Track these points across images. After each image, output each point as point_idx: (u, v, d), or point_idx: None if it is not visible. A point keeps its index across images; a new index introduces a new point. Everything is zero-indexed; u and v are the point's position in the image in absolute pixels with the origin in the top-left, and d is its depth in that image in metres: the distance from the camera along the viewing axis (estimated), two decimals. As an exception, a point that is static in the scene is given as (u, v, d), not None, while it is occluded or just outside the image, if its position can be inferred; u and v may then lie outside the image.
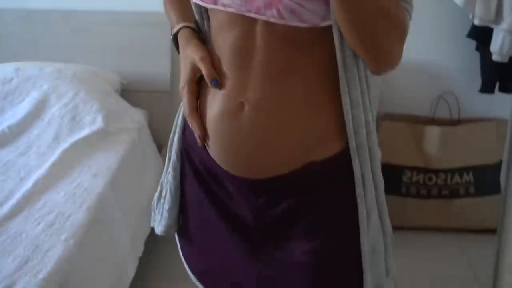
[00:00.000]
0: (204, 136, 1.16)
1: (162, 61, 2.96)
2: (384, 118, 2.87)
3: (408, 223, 2.81)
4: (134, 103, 2.85)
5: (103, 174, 2.26)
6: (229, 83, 1.11)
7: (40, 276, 1.67)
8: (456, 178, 2.85)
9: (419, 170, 2.85)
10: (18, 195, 2.07)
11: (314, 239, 1.13)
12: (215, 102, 1.12)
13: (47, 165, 2.26)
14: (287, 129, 1.08)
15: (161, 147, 2.87)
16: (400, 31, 1.02)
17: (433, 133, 2.82)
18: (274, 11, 1.02)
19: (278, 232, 1.16)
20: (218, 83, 1.11)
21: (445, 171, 2.84)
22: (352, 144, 1.08)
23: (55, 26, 2.95)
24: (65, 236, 1.87)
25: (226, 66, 1.11)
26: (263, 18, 1.04)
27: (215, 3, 1.08)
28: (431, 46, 2.97)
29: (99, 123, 2.54)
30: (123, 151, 2.47)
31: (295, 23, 1.02)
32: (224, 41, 1.11)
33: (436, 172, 2.84)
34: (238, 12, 1.05)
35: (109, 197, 2.18)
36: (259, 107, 1.08)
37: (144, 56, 2.95)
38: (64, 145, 2.40)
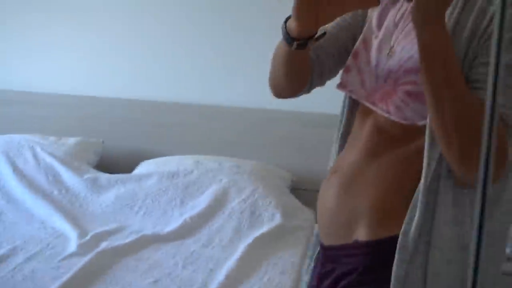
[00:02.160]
0: None
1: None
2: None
3: None
4: (302, 201, 2.86)
5: (289, 271, 2.23)
6: (341, 154, 1.32)
7: None
8: None
9: None
10: (213, 286, 2.08)
11: None
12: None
13: (235, 258, 2.27)
14: (351, 204, 1.20)
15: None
16: (496, 153, 0.98)
17: None
18: (384, 105, 1.17)
19: None
20: None
21: None
22: (400, 243, 1.10)
23: (229, 122, 3.06)
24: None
25: (349, 140, 1.31)
26: (375, 109, 1.19)
27: (345, 87, 1.27)
28: None
29: (277, 219, 2.55)
30: (302, 249, 2.45)
31: (398, 119, 1.14)
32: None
33: None
34: (360, 100, 1.25)
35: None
36: (341, 177, 1.24)
37: (313, 155, 2.97)
38: (248, 240, 2.41)
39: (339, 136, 1.35)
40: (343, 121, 1.35)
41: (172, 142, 3.08)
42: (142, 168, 2.91)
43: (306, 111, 3.00)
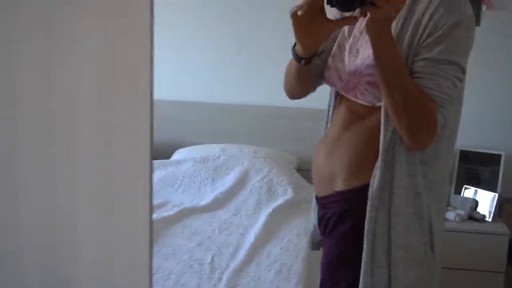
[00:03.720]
0: None
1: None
2: (507, 201, 3.46)
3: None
4: (306, 179, 3.51)
5: (303, 234, 2.87)
6: (327, 130, 1.73)
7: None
8: None
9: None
10: (245, 246, 2.72)
11: (332, 242, 1.63)
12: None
13: (259, 224, 2.91)
14: (332, 164, 1.60)
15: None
16: (428, 123, 1.44)
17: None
18: (353, 93, 1.57)
19: (324, 231, 1.68)
20: None
21: None
22: (370, 193, 1.49)
23: (246, 118, 3.72)
24: (294, 282, 2.46)
25: (332, 119, 1.71)
26: (348, 96, 1.60)
27: (328, 81, 1.67)
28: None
29: (289, 193, 3.20)
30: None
31: (362, 102, 1.55)
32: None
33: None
34: (338, 90, 1.66)
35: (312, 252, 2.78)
36: (326, 147, 1.65)
37: (312, 142, 3.62)
38: (267, 210, 3.06)
39: (329, 117, 1.73)
40: (330, 107, 1.74)
41: (200, 135, 3.73)
42: (178, 155, 3.56)
43: (308, 107, 3.64)
